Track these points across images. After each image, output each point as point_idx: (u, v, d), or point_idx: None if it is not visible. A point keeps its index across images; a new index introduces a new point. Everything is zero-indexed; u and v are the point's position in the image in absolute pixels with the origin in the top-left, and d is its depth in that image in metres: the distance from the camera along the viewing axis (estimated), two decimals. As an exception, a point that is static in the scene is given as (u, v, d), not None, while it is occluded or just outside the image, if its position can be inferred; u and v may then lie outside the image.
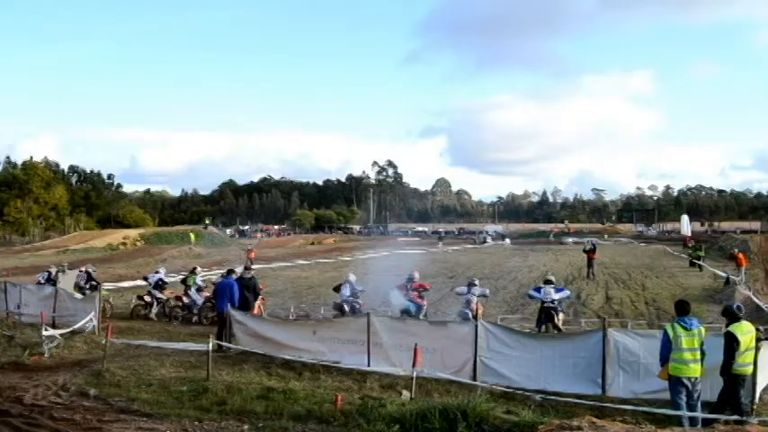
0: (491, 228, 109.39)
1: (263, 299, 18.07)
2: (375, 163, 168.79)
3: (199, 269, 22.35)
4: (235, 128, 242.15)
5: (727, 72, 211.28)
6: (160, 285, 20.72)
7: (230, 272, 16.12)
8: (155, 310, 20.10)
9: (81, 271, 23.01)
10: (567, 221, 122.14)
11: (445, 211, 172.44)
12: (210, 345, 11.61)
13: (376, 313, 13.77)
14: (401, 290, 17.04)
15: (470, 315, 14.63)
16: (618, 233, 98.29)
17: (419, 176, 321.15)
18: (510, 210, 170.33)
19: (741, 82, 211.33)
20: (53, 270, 22.48)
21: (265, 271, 37.81)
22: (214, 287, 15.44)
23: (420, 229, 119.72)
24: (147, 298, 20.38)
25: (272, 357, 12.70)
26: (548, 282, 15.90)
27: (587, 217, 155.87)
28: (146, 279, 21.86)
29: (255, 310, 16.20)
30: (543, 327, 14.89)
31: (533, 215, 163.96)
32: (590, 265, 32.78)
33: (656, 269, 37.61)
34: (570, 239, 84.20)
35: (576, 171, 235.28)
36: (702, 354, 8.72)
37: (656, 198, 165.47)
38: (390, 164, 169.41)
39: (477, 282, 17.14)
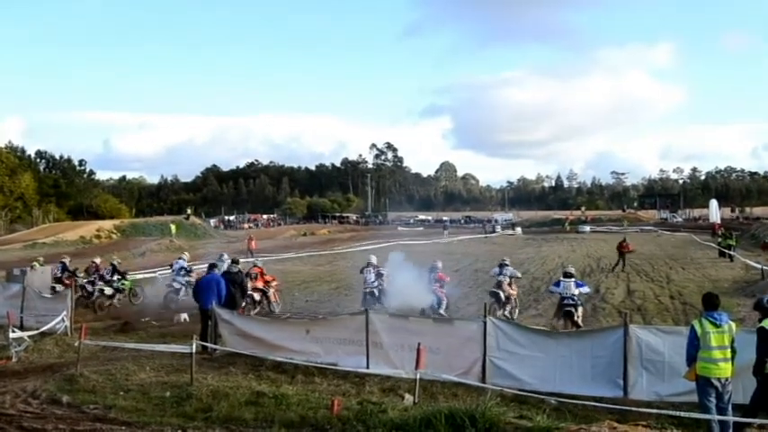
0: (500, 216, 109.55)
1: (277, 289, 20.93)
2: (373, 146, 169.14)
3: (225, 257, 23.24)
4: (218, 109, 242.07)
5: (756, 43, 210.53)
6: (184, 273, 22.97)
7: (213, 266, 16.11)
8: (182, 295, 22.03)
9: (61, 262, 24.36)
10: (583, 208, 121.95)
11: (450, 197, 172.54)
12: (194, 346, 11.62)
13: (376, 311, 13.79)
14: (426, 281, 18.20)
15: (502, 296, 16.80)
16: (640, 220, 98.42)
17: (421, 160, 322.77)
18: (521, 196, 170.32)
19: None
20: (67, 260, 24.52)
21: (268, 264, 38.00)
22: (195, 283, 15.43)
23: (423, 217, 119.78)
24: (176, 284, 22.51)
25: (262, 359, 12.72)
26: (568, 275, 16.38)
27: (606, 203, 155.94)
28: (171, 267, 24.49)
29: (272, 298, 19.60)
30: (561, 322, 15.69)
31: (546, 202, 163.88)
32: (621, 257, 33.26)
33: (682, 260, 37.71)
34: (587, 228, 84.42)
35: (594, 153, 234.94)
36: (733, 352, 8.68)
37: (681, 182, 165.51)
38: (390, 147, 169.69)
39: (508, 262, 19.22)
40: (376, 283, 18.72)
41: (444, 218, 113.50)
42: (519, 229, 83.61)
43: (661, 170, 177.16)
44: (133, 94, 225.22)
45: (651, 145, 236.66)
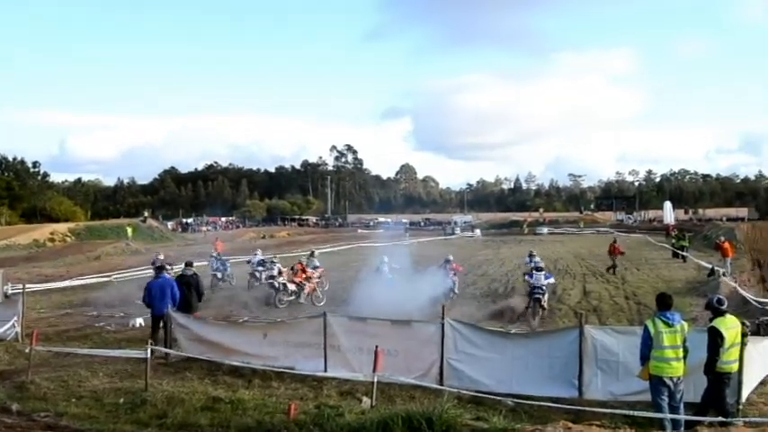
0: (460, 218, 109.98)
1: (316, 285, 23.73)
2: (333, 148, 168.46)
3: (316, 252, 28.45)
4: (176, 110, 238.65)
5: (712, 50, 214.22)
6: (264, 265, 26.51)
7: (161, 269, 15.79)
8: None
9: None
10: (541, 210, 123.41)
11: (410, 200, 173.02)
12: (149, 351, 11.46)
13: (333, 313, 13.74)
14: (442, 271, 22.88)
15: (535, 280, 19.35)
16: (597, 222, 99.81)
17: (381, 162, 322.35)
18: (480, 198, 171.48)
19: (727, 61, 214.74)
20: (161, 257, 28.33)
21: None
22: (146, 287, 15.14)
23: (383, 219, 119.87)
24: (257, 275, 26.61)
25: (219, 364, 12.62)
26: (539, 269, 20.37)
27: (564, 205, 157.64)
28: (248, 262, 29.31)
29: (306, 290, 22.42)
30: (532, 307, 19.00)
31: (505, 203, 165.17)
32: (614, 258, 33.02)
33: (637, 260, 38.28)
34: (545, 230, 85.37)
35: (552, 156, 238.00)
36: (685, 351, 8.83)
37: (637, 184, 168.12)
38: (350, 149, 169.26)
39: (535, 252, 26.39)
40: (390, 276, 22.56)
41: (404, 220, 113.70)
42: (478, 231, 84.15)
43: (617, 173, 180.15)
44: (90, 94, 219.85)
45: (608, 148, 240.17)
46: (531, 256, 25.46)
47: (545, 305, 19.58)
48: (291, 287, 22.76)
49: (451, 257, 23.90)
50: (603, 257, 40.75)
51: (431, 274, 23.15)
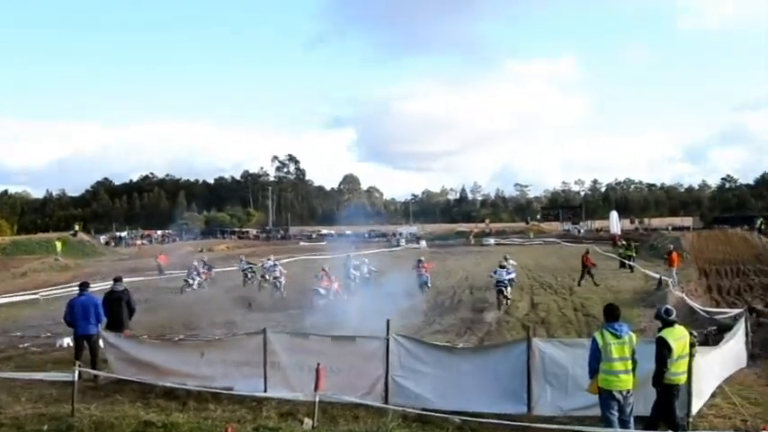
0: (405, 229, 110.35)
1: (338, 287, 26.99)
2: (275, 158, 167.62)
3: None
4: (110, 118, 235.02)
5: (655, 58, 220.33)
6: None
7: (85, 285, 15.22)
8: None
9: None
10: (488, 221, 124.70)
11: (354, 210, 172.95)
12: (76, 374, 11.08)
13: (273, 329, 13.52)
14: (416, 269, 29.44)
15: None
16: (543, 232, 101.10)
17: (324, 173, 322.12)
18: (425, 209, 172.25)
19: (670, 69, 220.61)
20: (197, 263, 35.74)
21: (156, 282, 37.16)
22: (68, 305, 14.61)
23: (325, 231, 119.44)
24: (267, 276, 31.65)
25: (152, 386, 12.28)
26: (502, 267, 25.41)
27: (510, 215, 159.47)
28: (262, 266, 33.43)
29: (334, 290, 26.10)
30: (498, 299, 24.11)
31: (451, 214, 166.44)
32: (586, 270, 32.23)
33: (584, 271, 38.75)
34: (492, 240, 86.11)
35: (498, 165, 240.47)
36: (634, 363, 8.88)
37: (583, 194, 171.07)
38: (292, 159, 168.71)
39: (509, 257, 30.37)
40: (368, 276, 29.72)
41: (348, 232, 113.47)
42: (423, 243, 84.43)
43: (563, 182, 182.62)
44: (18, 99, 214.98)
45: (554, 157, 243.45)
46: (505, 258, 28.62)
47: (508, 296, 24.58)
48: (322, 291, 25.91)
49: (423, 258, 31.50)
50: (551, 268, 41.34)
51: (407, 272, 30.16)
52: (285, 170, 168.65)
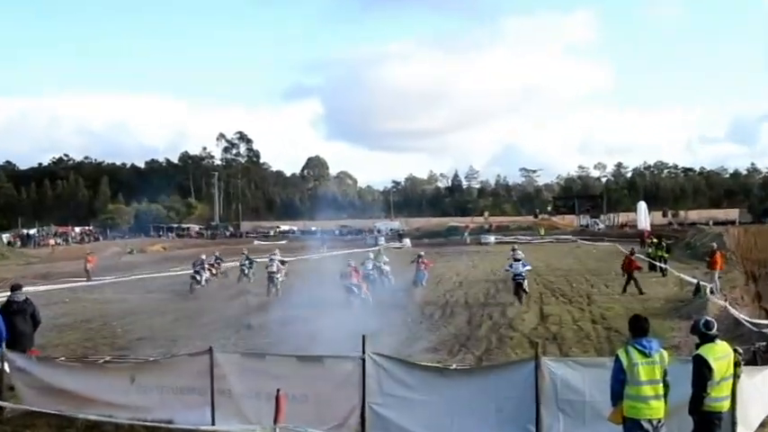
0: (384, 224, 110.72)
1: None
2: (221, 137, 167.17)
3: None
4: (14, 86, 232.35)
5: (692, 15, 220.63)
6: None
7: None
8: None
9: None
10: (487, 214, 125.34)
11: (322, 201, 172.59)
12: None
13: (222, 348, 13.54)
14: (415, 264, 34.93)
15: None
16: (556, 228, 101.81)
17: (284, 156, 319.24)
18: (410, 199, 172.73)
19: (711, 29, 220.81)
20: (205, 256, 39.62)
21: (76, 292, 36.95)
22: None
23: (286, 228, 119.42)
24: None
25: (71, 419, 12.24)
26: (517, 260, 30.18)
27: (514, 207, 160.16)
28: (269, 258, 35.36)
29: (365, 292, 29.04)
30: (515, 291, 28.79)
31: (441, 206, 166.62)
32: (629, 276, 31.76)
33: (606, 275, 39.04)
34: (492, 238, 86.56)
35: (500, 146, 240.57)
36: (666, 387, 8.93)
37: (604, 180, 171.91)
38: (243, 137, 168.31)
39: (517, 247, 38.62)
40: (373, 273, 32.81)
41: (313, 228, 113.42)
42: (407, 241, 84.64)
43: (580, 166, 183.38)
44: None
45: (568, 136, 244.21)
46: (513, 250, 34.55)
47: (526, 289, 29.37)
48: (355, 290, 28.75)
49: (423, 253, 37.10)
50: (565, 272, 41.56)
51: (410, 268, 35.96)
52: (234, 152, 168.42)
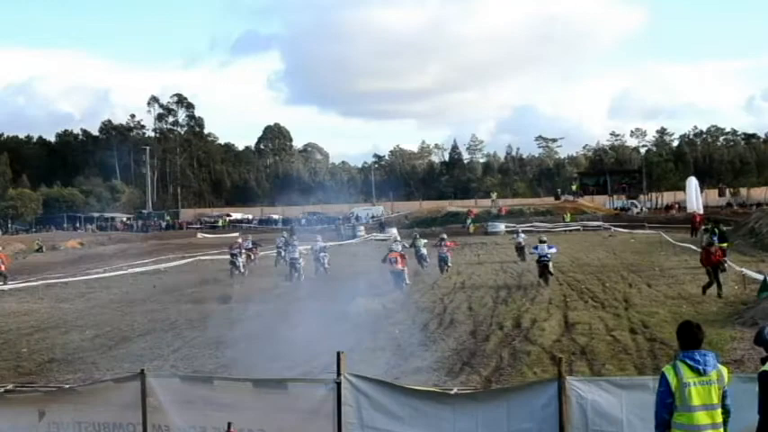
0: (364, 210, 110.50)
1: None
2: (154, 101, 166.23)
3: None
4: None
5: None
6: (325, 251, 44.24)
7: None
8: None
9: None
10: (494, 195, 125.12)
11: (284, 183, 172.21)
12: None
13: (157, 372, 13.48)
14: (435, 245, 44.03)
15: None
16: (582, 212, 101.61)
17: (234, 124, 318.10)
18: (396, 178, 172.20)
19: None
20: (241, 239, 47.10)
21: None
22: None
23: (239, 216, 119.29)
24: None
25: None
26: (542, 241, 36.63)
27: (529, 187, 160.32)
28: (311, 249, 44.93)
29: (407, 279, 37.35)
30: (542, 275, 35.37)
31: (437, 186, 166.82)
32: (715, 269, 31.16)
33: (648, 272, 39.37)
34: (501, 226, 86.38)
35: (510, 108, 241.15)
36: (726, 413, 8.91)
37: (644, 151, 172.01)
38: (182, 102, 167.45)
39: (545, 239, 38.81)
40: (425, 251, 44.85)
41: (274, 216, 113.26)
42: (394, 231, 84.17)
43: (613, 134, 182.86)
44: None
45: (597, 95, 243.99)
46: (541, 241, 37.75)
47: (552, 270, 35.87)
48: (408, 279, 36.47)
49: (445, 236, 46.69)
50: (595, 268, 41.69)
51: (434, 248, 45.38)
52: (171, 120, 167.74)
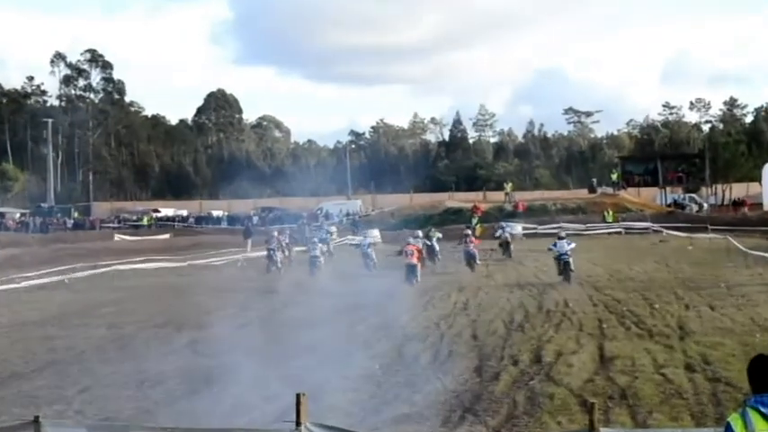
0: (336, 206, 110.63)
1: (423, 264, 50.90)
2: (59, 59, 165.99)
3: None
4: None
5: None
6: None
7: None
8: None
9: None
10: (509, 186, 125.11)
11: (231, 167, 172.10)
12: None
13: (57, 419, 13.40)
14: (462, 242, 56.46)
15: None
16: (625, 209, 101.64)
17: (166, 91, 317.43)
18: (380, 163, 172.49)
19: None
20: (278, 233, 55.70)
21: None
22: None
23: (169, 212, 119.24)
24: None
25: None
26: (561, 238, 45.60)
27: (555, 175, 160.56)
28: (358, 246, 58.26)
29: (419, 270, 48.70)
30: (562, 273, 43.51)
31: (433, 174, 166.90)
32: None
33: (710, 289, 39.34)
34: (518, 228, 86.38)
35: (531, 72, 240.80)
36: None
37: (707, 128, 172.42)
38: (95, 61, 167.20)
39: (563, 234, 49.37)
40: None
41: (216, 212, 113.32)
42: (377, 233, 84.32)
43: (666, 105, 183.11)
44: None
45: (646, 54, 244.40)
46: (560, 238, 46.58)
47: (573, 268, 43.50)
48: (420, 271, 47.31)
49: (469, 231, 59.05)
50: (640, 284, 41.76)
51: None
52: (82, 84, 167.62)
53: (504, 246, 61.16)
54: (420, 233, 59.59)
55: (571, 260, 43.95)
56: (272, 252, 51.61)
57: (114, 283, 49.49)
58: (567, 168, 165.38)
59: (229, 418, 17.32)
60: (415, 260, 44.89)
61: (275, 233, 55.27)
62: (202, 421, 16.20)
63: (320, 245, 53.30)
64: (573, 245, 45.88)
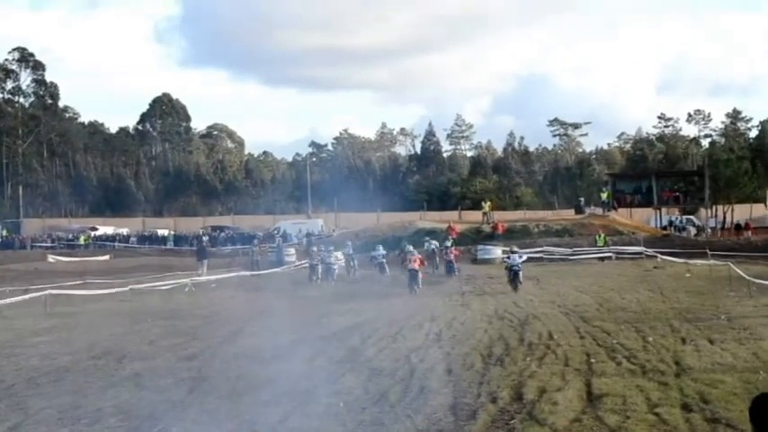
0: (294, 225, 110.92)
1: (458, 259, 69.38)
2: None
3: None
4: None
5: None
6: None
7: None
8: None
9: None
10: (488, 204, 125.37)
11: (177, 181, 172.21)
12: None
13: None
14: (439, 256, 75.43)
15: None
16: (615, 231, 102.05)
17: (104, 94, 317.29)
18: (343, 178, 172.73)
19: None
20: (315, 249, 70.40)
21: None
22: None
23: (109, 230, 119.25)
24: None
25: None
26: (513, 251, 57.90)
27: (539, 193, 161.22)
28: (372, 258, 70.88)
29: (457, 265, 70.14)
30: (511, 283, 55.68)
31: (403, 191, 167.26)
32: None
33: (709, 320, 39.53)
34: (498, 251, 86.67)
35: (514, 79, 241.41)
36: None
37: (706, 143, 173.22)
38: (25, 60, 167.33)
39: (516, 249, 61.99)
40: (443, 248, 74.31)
41: (160, 231, 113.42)
42: (339, 255, 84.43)
43: (662, 117, 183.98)
44: None
45: (640, 61, 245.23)
46: (513, 252, 56.55)
47: (521, 279, 53.85)
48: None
49: (449, 243, 72.88)
50: (633, 314, 41.93)
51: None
52: (11, 86, 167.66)
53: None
54: (381, 248, 69.96)
55: (521, 272, 54.27)
56: (316, 263, 61.57)
57: (48, 309, 49.33)
58: (551, 186, 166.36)
59: None
60: (416, 266, 53.15)
61: (314, 248, 67.66)
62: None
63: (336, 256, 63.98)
64: (524, 257, 58.30)
